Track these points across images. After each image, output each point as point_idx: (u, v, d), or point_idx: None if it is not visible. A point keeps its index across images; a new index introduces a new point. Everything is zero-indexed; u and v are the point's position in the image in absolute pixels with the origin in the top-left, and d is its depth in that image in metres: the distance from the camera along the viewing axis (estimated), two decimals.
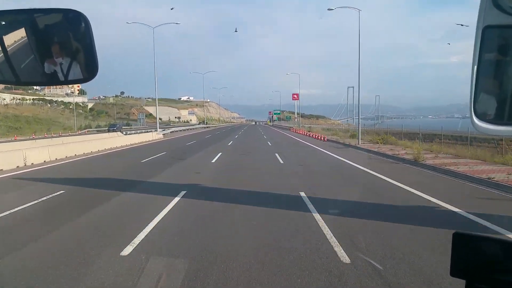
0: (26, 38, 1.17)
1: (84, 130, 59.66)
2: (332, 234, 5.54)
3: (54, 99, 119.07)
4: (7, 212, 7.24)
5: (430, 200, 8.08)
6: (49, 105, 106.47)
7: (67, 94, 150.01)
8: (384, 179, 11.14)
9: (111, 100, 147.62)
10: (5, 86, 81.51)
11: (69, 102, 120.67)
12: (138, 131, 44.66)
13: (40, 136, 42.52)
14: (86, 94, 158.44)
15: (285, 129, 75.77)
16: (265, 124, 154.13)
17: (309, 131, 51.88)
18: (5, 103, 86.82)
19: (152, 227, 6.03)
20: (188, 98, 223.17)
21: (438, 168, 13.05)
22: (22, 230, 6.26)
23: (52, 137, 39.34)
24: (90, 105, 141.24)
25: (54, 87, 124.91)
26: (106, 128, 58.40)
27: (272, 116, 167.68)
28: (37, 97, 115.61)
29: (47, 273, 4.35)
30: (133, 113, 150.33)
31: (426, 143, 22.98)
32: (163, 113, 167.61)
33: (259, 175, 12.33)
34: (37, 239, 5.55)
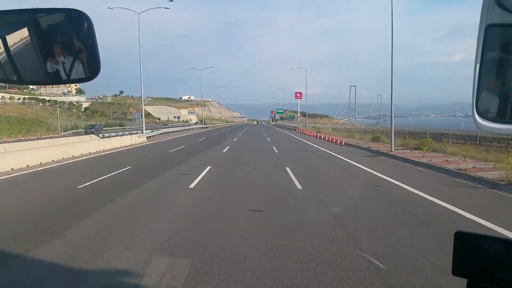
0: (29, 37, 1.17)
1: (69, 132, 53.18)
2: None
3: (49, 98, 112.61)
4: None
5: None
6: (41, 104, 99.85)
7: (64, 93, 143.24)
8: None
9: (109, 99, 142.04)
10: None
11: (62, 102, 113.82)
12: (120, 133, 38.01)
13: (12, 139, 36.20)
14: (84, 93, 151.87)
15: (289, 129, 68.82)
16: (267, 123, 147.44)
17: (318, 132, 44.93)
18: None
19: None
20: (189, 97, 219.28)
21: None
22: None
23: (28, 139, 33.11)
24: (86, 105, 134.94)
25: (50, 86, 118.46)
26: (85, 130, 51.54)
27: (275, 116, 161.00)
28: (29, 96, 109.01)
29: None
30: (131, 113, 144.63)
31: (456, 146, 20.54)
32: (162, 112, 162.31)
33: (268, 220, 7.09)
34: None
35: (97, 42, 1.18)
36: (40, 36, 1.19)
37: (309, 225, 6.26)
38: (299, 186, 10.02)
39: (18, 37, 1.18)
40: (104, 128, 66.44)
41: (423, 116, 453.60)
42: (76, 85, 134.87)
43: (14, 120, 66.84)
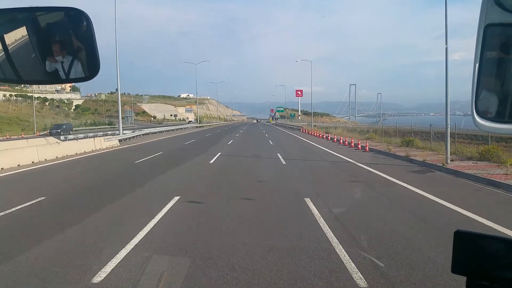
0: (28, 36, 1.16)
1: (46, 131, 46.59)
2: None
3: (40, 95, 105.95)
4: None
5: None
6: (27, 101, 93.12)
7: (57, 91, 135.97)
8: None
9: (103, 96, 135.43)
10: None
11: (52, 99, 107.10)
12: (91, 135, 31.43)
13: None
14: (78, 90, 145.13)
15: (292, 129, 62.01)
16: (267, 122, 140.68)
17: (327, 133, 38.10)
18: None
19: None
20: (188, 95, 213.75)
21: None
22: None
23: None
24: (79, 102, 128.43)
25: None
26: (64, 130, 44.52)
27: (275, 114, 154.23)
28: (19, 93, 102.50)
29: None
30: (125, 110, 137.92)
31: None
32: (159, 110, 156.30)
33: None
34: None
35: (96, 41, 1.17)
36: (39, 35, 1.17)
37: None
38: (348, 263, 4.58)
39: (17, 36, 1.16)
40: (81, 128, 59.59)
41: (423, 114, 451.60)
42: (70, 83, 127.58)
43: None
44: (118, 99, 32.46)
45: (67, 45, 1.18)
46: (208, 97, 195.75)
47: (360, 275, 4.23)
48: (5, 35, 1.16)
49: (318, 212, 6.97)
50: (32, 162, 15.73)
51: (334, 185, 10.57)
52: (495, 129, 1.03)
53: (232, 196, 8.87)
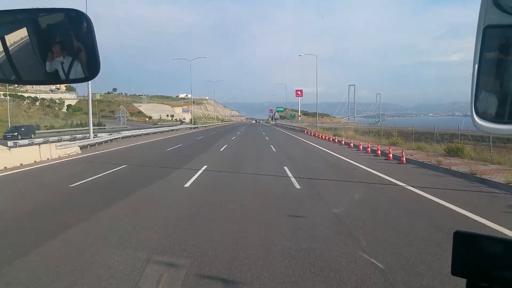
0: (28, 37, 1.17)
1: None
2: None
3: (32, 95, 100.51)
4: None
5: None
6: (17, 101, 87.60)
7: (51, 90, 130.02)
8: None
9: (98, 96, 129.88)
10: None
11: (42, 98, 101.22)
12: (52, 139, 25.93)
13: None
14: (74, 90, 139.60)
15: (295, 130, 56.28)
16: (266, 122, 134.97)
17: (336, 135, 32.37)
18: None
19: None
20: (186, 95, 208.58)
21: None
22: None
23: None
24: (73, 102, 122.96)
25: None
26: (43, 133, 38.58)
27: (274, 114, 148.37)
28: (11, 93, 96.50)
29: None
30: (118, 111, 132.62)
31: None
32: (155, 110, 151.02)
33: None
34: None
35: (97, 42, 1.18)
36: (39, 36, 1.17)
37: None
38: None
39: (17, 36, 1.17)
40: (53, 131, 52.98)
41: (422, 115, 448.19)
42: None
43: None
44: (88, 95, 26.74)
45: (68, 46, 1.18)
46: (207, 98, 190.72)
47: None
48: (5, 36, 1.16)
49: None
50: None
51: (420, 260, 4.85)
52: (494, 130, 1.02)
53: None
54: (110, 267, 4.53)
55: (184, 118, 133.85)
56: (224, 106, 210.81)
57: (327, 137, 33.37)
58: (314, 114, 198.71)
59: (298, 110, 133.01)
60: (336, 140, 29.30)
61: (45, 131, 52.99)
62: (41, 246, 5.38)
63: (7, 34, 1.16)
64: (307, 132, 45.04)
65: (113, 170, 13.69)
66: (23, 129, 40.56)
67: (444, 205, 7.89)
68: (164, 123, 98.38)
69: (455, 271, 0.94)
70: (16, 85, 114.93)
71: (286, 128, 67.41)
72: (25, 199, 9.17)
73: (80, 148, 21.29)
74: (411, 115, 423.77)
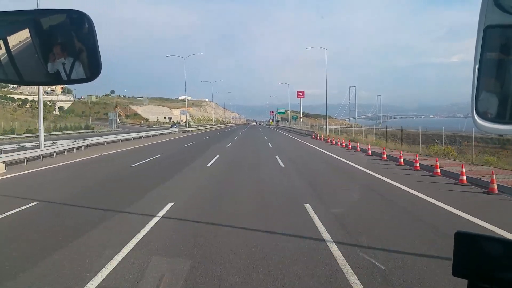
0: (30, 38, 1.16)
1: None
2: None
3: (20, 96, 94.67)
4: None
5: None
6: (4, 103, 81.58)
7: (46, 92, 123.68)
8: None
9: (93, 98, 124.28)
10: None
11: (32, 100, 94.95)
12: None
13: None
14: (71, 92, 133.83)
15: (300, 134, 49.47)
16: (267, 124, 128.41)
17: (353, 141, 26.07)
18: None
19: None
20: (186, 97, 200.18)
21: None
22: None
23: None
24: (67, 104, 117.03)
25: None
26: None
27: (275, 116, 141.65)
28: (3, 95, 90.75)
29: None
30: (109, 113, 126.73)
31: None
32: (152, 113, 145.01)
33: None
34: None
35: (98, 43, 1.18)
36: (41, 37, 1.17)
37: None
38: None
39: (19, 38, 1.16)
40: (7, 136, 45.92)
41: (422, 116, 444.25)
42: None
43: None
44: (39, 97, 20.20)
45: (69, 47, 1.18)
46: (206, 100, 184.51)
47: None
48: (8, 37, 1.15)
49: None
50: None
51: None
52: (495, 130, 1.01)
53: None
54: None
55: (181, 120, 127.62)
56: (224, 108, 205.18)
57: (343, 144, 26.83)
58: (316, 116, 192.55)
59: (300, 112, 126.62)
60: (359, 149, 22.75)
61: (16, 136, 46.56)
62: None
63: (9, 35, 1.16)
64: (316, 137, 38.48)
65: (13, 211, 7.35)
66: None
67: None
68: (159, 126, 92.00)
69: (456, 272, 0.92)
70: (10, 87, 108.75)
71: (289, 131, 60.84)
72: None
73: (14, 163, 14.98)
74: (411, 117, 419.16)
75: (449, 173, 12.57)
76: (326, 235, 6.01)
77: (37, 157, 17.89)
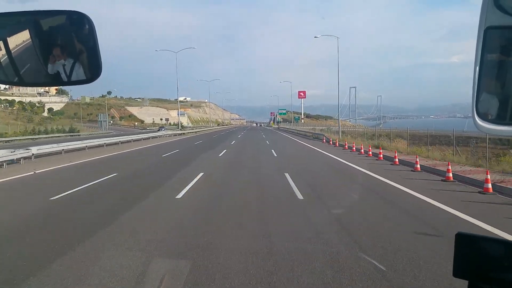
0: (30, 39, 1.16)
1: None
2: None
3: (7, 98, 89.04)
4: None
5: None
6: None
7: (39, 94, 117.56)
8: None
9: (87, 99, 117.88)
10: None
11: (20, 101, 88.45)
12: None
13: None
14: (66, 94, 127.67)
15: (306, 137, 42.49)
16: (268, 126, 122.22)
17: (377, 147, 18.91)
18: None
19: None
20: (185, 98, 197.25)
21: None
22: None
23: None
24: (59, 106, 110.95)
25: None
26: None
27: (275, 117, 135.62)
28: None
29: None
30: (109, 115, 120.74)
31: None
32: (149, 114, 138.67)
33: None
34: None
35: (99, 44, 1.18)
36: (42, 38, 1.17)
37: None
38: None
39: (20, 39, 1.16)
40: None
41: (423, 117, 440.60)
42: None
43: None
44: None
45: (69, 48, 1.18)
46: (206, 100, 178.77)
47: None
48: (8, 38, 1.15)
49: None
50: None
51: None
52: (496, 131, 1.01)
53: None
54: None
55: (181, 122, 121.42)
56: (224, 109, 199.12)
57: (369, 152, 20.39)
58: (317, 117, 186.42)
59: (301, 113, 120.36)
60: (397, 160, 16.28)
61: None
62: None
63: (9, 36, 1.16)
64: (328, 141, 31.84)
65: None
66: None
67: None
68: (147, 129, 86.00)
69: (456, 273, 0.92)
70: (1, 88, 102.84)
71: (293, 134, 54.41)
72: None
73: None
74: (412, 117, 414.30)
75: None
76: None
77: None
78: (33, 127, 57.30)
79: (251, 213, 7.90)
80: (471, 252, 0.89)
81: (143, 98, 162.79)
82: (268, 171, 14.70)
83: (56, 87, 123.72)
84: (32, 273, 4.72)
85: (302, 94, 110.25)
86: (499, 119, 0.98)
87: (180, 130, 58.09)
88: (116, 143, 31.24)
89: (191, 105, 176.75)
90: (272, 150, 24.41)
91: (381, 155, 18.74)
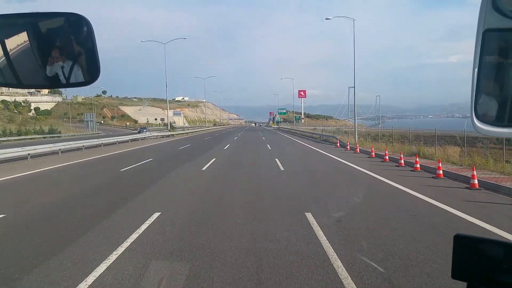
0: (28, 41, 1.14)
1: None
2: None
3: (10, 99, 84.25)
4: None
5: None
6: None
7: (30, 93, 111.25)
8: None
9: (79, 99, 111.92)
10: None
11: (4, 100, 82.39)
12: None
13: None
14: (60, 93, 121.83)
15: (313, 139, 35.81)
16: (267, 126, 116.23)
17: (409, 154, 14.73)
18: None
19: None
20: (183, 98, 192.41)
21: None
22: None
23: None
24: (51, 106, 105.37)
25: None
26: None
27: (274, 117, 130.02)
28: None
29: None
30: (100, 115, 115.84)
31: None
32: (143, 114, 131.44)
33: None
34: None
35: (97, 46, 1.17)
36: (40, 40, 1.15)
37: None
38: None
39: (18, 41, 1.14)
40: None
41: (421, 117, 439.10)
42: None
43: None
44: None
45: (68, 50, 1.16)
46: (203, 100, 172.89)
47: None
48: (6, 40, 1.13)
49: None
50: None
51: None
52: (494, 133, 1.00)
53: None
54: None
55: (174, 122, 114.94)
56: (222, 109, 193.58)
57: (417, 165, 14.13)
58: (317, 117, 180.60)
59: (301, 112, 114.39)
60: (476, 183, 9.94)
61: None
62: None
63: (7, 38, 1.14)
64: (343, 145, 25.50)
65: None
66: None
67: None
68: (150, 128, 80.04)
69: (455, 275, 0.90)
70: None
71: (296, 135, 48.30)
72: None
73: None
74: (410, 117, 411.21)
75: None
76: None
77: None
78: (5, 128, 50.94)
79: None
80: (470, 253, 0.88)
81: (140, 98, 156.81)
82: (275, 204, 8.45)
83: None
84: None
85: (302, 93, 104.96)
86: (498, 121, 0.97)
87: (169, 131, 50.81)
88: (69, 150, 24.20)
89: (188, 105, 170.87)
90: (276, 160, 18.07)
91: (440, 171, 12.44)
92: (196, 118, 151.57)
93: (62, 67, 1.12)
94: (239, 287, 4.14)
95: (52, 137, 53.98)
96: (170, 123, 71.35)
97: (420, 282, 4.28)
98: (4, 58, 1.12)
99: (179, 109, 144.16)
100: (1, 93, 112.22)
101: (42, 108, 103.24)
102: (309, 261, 4.87)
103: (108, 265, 4.75)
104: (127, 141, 34.19)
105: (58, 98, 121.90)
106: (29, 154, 20.06)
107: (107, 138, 32.70)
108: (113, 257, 5.04)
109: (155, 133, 45.54)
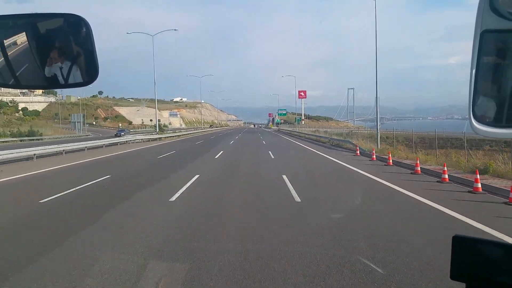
0: (27, 42, 1.14)
1: None
2: None
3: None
4: None
5: None
6: None
7: (22, 93, 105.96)
8: None
9: (72, 99, 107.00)
10: None
11: None
12: None
13: None
14: (54, 94, 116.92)
15: (319, 144, 30.15)
16: (266, 127, 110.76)
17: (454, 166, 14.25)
18: None
19: None
20: (181, 99, 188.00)
21: None
22: None
23: None
24: (42, 106, 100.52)
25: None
26: None
27: (273, 118, 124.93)
28: None
29: None
30: (93, 115, 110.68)
31: None
32: (138, 115, 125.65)
33: None
34: None
35: (96, 46, 1.16)
36: (39, 40, 1.15)
37: None
38: None
39: (17, 41, 1.14)
40: None
41: (421, 118, 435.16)
42: None
43: None
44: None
45: (67, 51, 1.16)
46: (202, 101, 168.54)
47: None
48: (5, 41, 1.13)
49: None
50: None
51: None
52: (492, 134, 0.99)
53: None
54: None
55: (170, 123, 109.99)
56: (221, 110, 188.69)
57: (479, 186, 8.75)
58: (317, 118, 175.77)
59: (301, 114, 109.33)
60: None
61: None
62: None
63: (6, 38, 1.14)
64: (363, 153, 20.26)
65: None
66: None
67: None
68: (139, 130, 75.35)
69: (454, 276, 0.90)
70: None
71: (299, 138, 42.81)
72: None
73: None
74: (409, 119, 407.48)
75: None
76: None
77: None
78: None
79: None
80: (468, 254, 0.88)
81: (137, 99, 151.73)
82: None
83: None
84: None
85: (302, 94, 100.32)
86: (496, 122, 0.97)
87: (158, 133, 44.42)
88: (16, 160, 18.06)
89: (186, 106, 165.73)
90: (286, 180, 12.42)
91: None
92: (194, 119, 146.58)
93: (61, 68, 1.12)
94: None
95: (31, 140, 48.63)
96: (160, 125, 65.41)
97: None
98: (3, 59, 1.12)
99: (176, 110, 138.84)
100: None
101: (31, 108, 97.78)
102: None
103: None
104: (101, 146, 28.13)
105: (52, 98, 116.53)
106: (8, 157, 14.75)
107: (72, 144, 24.90)
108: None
109: (140, 136, 38.75)
